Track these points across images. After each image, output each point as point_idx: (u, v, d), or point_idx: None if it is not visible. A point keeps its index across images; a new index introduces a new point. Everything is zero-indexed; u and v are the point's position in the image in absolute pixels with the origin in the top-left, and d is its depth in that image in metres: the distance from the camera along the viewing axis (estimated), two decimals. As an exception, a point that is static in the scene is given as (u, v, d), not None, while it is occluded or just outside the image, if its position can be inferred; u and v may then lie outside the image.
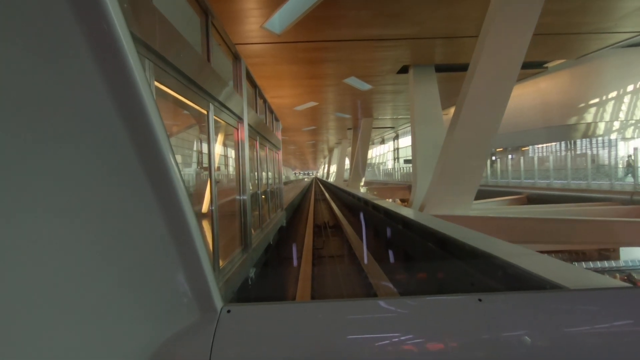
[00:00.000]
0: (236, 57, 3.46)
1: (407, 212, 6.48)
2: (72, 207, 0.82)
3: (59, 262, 0.78)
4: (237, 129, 3.35)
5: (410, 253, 5.59)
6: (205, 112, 2.41)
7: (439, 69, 12.21)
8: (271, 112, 6.37)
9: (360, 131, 24.70)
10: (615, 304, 1.20)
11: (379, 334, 1.10)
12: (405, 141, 39.68)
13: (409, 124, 32.78)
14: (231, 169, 3.70)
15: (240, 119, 3.37)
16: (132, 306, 0.97)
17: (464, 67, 13.17)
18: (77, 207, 0.83)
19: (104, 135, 0.89)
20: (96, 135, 0.87)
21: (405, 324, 1.15)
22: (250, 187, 4.69)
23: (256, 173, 4.71)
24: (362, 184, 27.25)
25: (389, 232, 6.91)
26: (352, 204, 12.56)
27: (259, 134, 4.75)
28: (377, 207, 8.29)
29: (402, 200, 29.43)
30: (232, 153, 3.43)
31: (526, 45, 7.09)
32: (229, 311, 1.13)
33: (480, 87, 7.45)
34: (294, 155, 63.11)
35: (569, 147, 18.48)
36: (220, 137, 3.25)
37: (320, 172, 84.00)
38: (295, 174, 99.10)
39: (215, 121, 2.58)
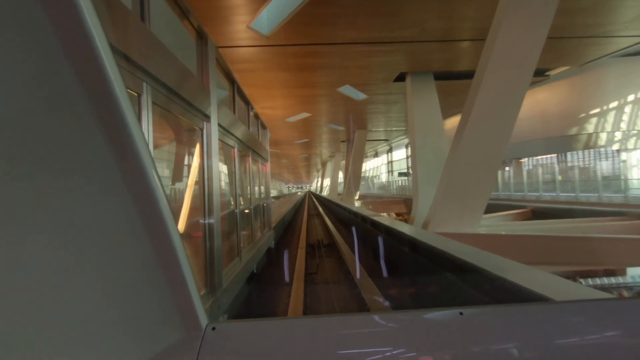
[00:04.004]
0: (201, 35, 2.64)
1: (410, 230, 5.67)
2: (57, 225, 0.81)
3: (42, 281, 0.77)
4: (202, 129, 2.52)
5: (420, 280, 4.76)
6: (135, 93, 1.58)
7: (438, 77, 11.63)
8: (256, 117, 5.57)
9: (354, 143, 24.06)
10: (602, 315, 1.19)
11: (367, 349, 1.09)
12: (399, 154, 39.36)
13: (404, 137, 32.41)
14: (196, 183, 2.87)
15: (205, 116, 2.55)
16: (114, 325, 0.94)
17: (463, 75, 12.67)
18: (61, 225, 0.82)
19: (88, 154, 0.86)
20: (80, 154, 0.85)
21: (390, 338, 1.14)
22: (231, 203, 3.84)
23: (235, 188, 3.86)
24: (356, 197, 26.45)
25: (392, 254, 6.08)
26: (347, 220, 11.70)
27: (238, 140, 3.93)
28: (376, 225, 7.46)
29: (398, 214, 28.79)
30: (196, 161, 2.59)
31: (540, 46, 6.46)
32: (214, 328, 1.11)
33: (490, 94, 6.77)
34: (287, 169, 62.37)
35: (565, 158, 17.97)
36: (166, 134, 2.42)
37: (314, 186, 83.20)
38: (288, 187, 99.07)
39: (155, 109, 1.75)
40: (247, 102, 4.88)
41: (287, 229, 11.28)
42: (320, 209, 25.93)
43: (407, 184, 31.69)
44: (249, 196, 4.96)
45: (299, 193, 71.47)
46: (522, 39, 6.49)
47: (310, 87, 12.61)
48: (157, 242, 1.00)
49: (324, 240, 10.27)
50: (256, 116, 5.54)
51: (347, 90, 13.09)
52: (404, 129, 25.60)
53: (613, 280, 10.04)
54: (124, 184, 0.90)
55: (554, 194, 13.41)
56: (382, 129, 24.84)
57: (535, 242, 6.59)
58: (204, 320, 1.11)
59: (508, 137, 7.08)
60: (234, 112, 3.85)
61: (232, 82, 3.94)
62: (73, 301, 0.83)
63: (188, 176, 2.51)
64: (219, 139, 2.82)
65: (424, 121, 10.36)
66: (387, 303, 5.06)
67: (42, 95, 0.75)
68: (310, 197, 47.41)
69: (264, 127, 6.35)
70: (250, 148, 4.70)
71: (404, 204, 26.85)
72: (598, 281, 10.00)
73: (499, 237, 6.94)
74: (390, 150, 42.12)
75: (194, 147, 2.51)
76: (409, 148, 34.95)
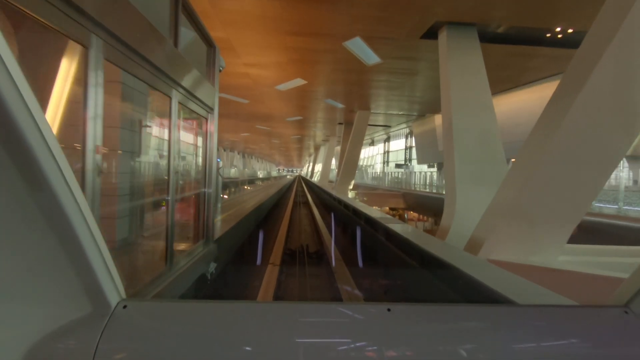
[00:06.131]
0: None
1: (463, 259, 2.78)
2: None
3: None
4: None
5: None
6: None
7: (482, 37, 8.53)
8: (189, 13, 2.46)
9: (353, 126, 20.95)
10: (559, 321, 1.17)
11: (281, 338, 1.07)
12: (399, 144, 36.77)
13: (404, 125, 29.30)
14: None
15: None
16: (12, 300, 0.94)
17: (512, 38, 9.63)
18: None
19: None
20: None
21: (311, 328, 1.14)
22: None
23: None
24: (350, 187, 23.55)
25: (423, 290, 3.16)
26: (344, 218, 8.70)
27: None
28: (391, 235, 4.51)
29: (392, 209, 26.23)
30: None
31: None
32: (125, 307, 1.09)
33: (627, 56, 3.80)
34: (278, 151, 58.94)
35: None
36: None
37: (305, 171, 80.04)
38: (278, 170, 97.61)
39: None
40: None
41: (260, 226, 8.24)
42: (309, 197, 23.00)
43: (405, 176, 28.99)
44: (142, 185, 1.95)
45: (288, 176, 68.98)
46: None
47: (309, 35, 9.37)
48: (58, 223, 0.95)
49: (309, 247, 7.24)
50: (189, 11, 2.44)
51: (357, 46, 9.89)
52: (407, 113, 22.67)
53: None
54: (10, 164, 0.85)
55: (615, 205, 10.54)
56: (382, 112, 21.72)
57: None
58: (114, 297, 1.09)
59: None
60: None
61: None
62: None
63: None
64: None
65: (465, 94, 7.25)
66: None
67: None
68: (300, 182, 44.55)
69: (208, 42, 3.21)
70: (141, 64, 1.63)
71: (402, 199, 24.10)
72: None
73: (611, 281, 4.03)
74: (388, 139, 39.56)
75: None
76: (411, 138, 32.02)
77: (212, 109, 3.28)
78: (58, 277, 1.02)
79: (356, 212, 7.63)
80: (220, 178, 7.85)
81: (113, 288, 1.09)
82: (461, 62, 7.78)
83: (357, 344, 1.06)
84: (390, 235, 4.78)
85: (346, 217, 8.30)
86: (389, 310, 1.12)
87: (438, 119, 24.34)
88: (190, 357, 1.00)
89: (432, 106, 19.92)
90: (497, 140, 6.67)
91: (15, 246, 0.93)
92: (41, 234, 0.96)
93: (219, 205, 7.96)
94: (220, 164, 8.48)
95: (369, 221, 6.21)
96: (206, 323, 1.09)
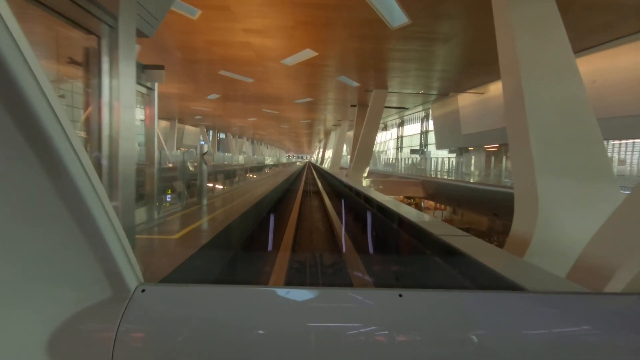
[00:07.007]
0: None
1: None
2: None
3: None
4: None
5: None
6: None
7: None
8: None
9: (369, 107, 18.92)
10: (572, 309, 1.15)
11: (293, 322, 1.08)
12: (413, 128, 34.77)
13: (421, 106, 27.01)
14: None
15: None
16: (38, 283, 0.96)
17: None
18: None
19: None
20: None
21: (321, 313, 1.13)
22: None
23: None
24: (365, 175, 21.69)
25: None
26: (364, 216, 6.89)
27: None
28: (450, 253, 2.70)
29: (408, 198, 24.50)
30: None
31: None
32: (143, 290, 1.12)
33: None
34: (288, 136, 57.07)
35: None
36: None
37: (315, 157, 78.11)
38: (288, 156, 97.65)
39: None
40: None
41: (260, 227, 6.48)
42: (320, 185, 21.23)
43: (424, 162, 26.98)
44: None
45: (297, 163, 67.68)
46: None
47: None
48: (79, 211, 0.98)
49: (323, 260, 5.44)
50: None
51: (381, 0, 7.87)
52: (427, 93, 20.51)
53: None
54: (34, 155, 0.87)
55: None
56: (399, 91, 19.52)
57: None
58: (133, 281, 1.12)
59: None
60: None
61: None
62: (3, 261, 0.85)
63: None
64: None
65: (539, 52, 5.21)
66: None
67: None
68: (310, 168, 42.87)
69: None
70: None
71: (421, 187, 22.18)
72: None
73: None
74: (402, 124, 37.58)
75: None
76: (427, 122, 29.78)
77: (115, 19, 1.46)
78: (80, 263, 1.04)
79: (383, 210, 5.81)
80: (205, 167, 6.14)
81: (132, 273, 1.12)
82: (528, 10, 5.72)
83: (368, 329, 1.06)
84: (449, 253, 2.95)
85: (369, 215, 6.51)
86: (400, 295, 1.12)
87: (462, 99, 22.08)
88: (205, 339, 1.01)
89: (458, 84, 17.75)
90: (589, 112, 4.72)
91: (41, 233, 0.95)
92: (64, 222, 0.98)
93: (205, 202, 6.26)
94: (206, 149, 6.79)
95: (407, 226, 4.41)
96: (221, 306, 1.11)
